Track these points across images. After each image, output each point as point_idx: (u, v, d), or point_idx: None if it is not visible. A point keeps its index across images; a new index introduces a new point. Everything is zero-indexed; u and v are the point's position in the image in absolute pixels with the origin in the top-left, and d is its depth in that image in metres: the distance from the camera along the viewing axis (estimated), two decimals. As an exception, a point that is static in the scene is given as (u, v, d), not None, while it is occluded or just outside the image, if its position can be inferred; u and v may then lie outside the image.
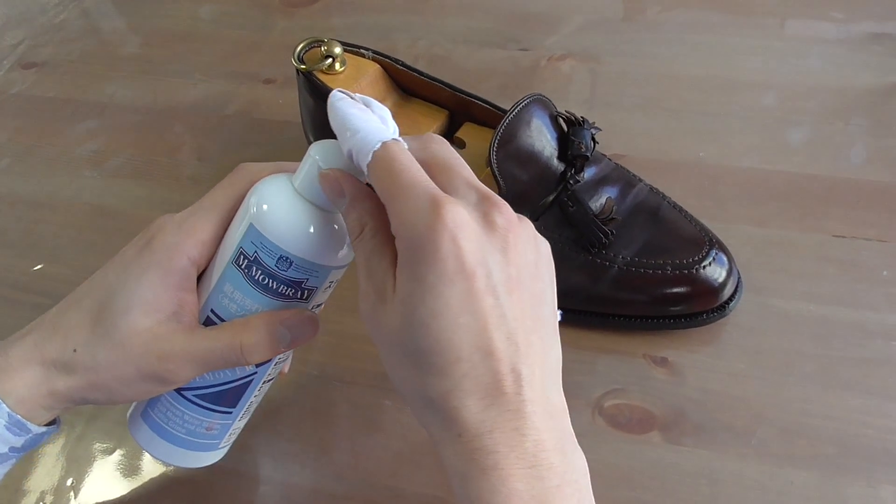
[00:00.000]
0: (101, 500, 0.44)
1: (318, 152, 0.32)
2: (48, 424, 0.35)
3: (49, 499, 0.44)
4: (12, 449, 0.34)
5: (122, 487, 0.44)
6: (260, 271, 0.33)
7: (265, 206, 0.32)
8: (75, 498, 0.44)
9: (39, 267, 0.57)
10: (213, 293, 0.34)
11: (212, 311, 0.34)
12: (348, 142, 0.30)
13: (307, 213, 0.32)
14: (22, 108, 0.72)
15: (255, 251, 0.32)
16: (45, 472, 0.45)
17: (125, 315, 0.32)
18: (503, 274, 0.27)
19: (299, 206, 0.32)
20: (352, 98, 0.32)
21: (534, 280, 0.29)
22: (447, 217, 0.26)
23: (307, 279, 0.33)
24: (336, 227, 0.33)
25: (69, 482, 0.45)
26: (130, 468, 0.45)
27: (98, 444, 0.46)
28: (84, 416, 0.47)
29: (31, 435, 0.34)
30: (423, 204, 0.27)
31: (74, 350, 0.33)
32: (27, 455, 0.45)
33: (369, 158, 0.29)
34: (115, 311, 0.33)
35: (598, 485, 0.41)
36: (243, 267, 0.33)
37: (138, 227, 0.58)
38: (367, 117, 0.30)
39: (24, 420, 0.33)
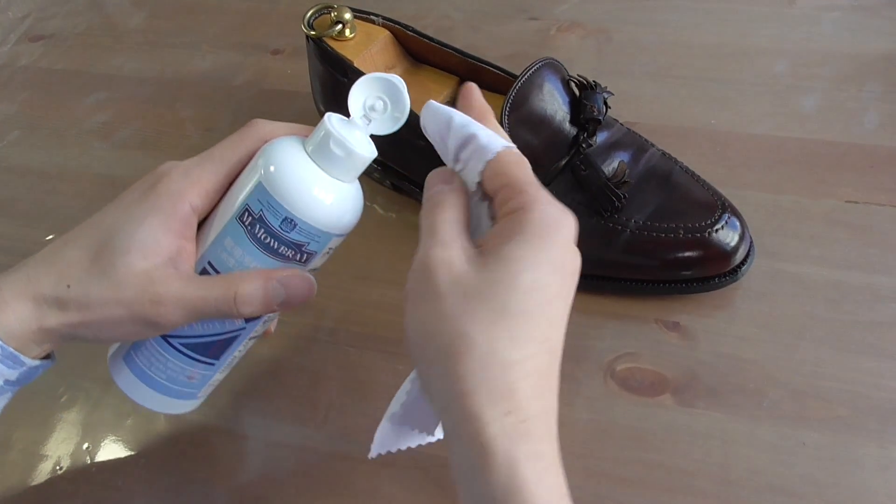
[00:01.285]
0: (115, 464, 0.44)
1: (334, 120, 0.33)
2: (44, 358, 0.35)
3: (66, 462, 0.44)
4: (7, 382, 0.33)
5: (136, 452, 0.44)
6: (263, 230, 0.33)
7: (274, 168, 0.33)
8: (91, 462, 0.44)
9: (50, 237, 0.57)
10: (212, 245, 0.34)
11: (209, 262, 0.34)
12: (472, 130, 0.31)
13: (317, 179, 0.33)
14: (30, 81, 0.72)
15: (261, 210, 0.33)
16: (62, 437, 0.46)
17: (123, 255, 0.33)
18: (572, 291, 0.30)
19: (310, 171, 0.33)
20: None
21: None
22: (572, 222, 0.30)
23: (308, 243, 0.34)
24: (343, 195, 0.34)
25: (85, 447, 0.45)
26: (144, 433, 0.45)
27: (113, 410, 0.47)
28: (100, 382, 0.48)
29: (24, 368, 0.34)
30: (555, 201, 0.30)
31: (68, 286, 0.33)
32: (44, 421, 0.46)
33: (498, 149, 0.31)
34: (113, 251, 0.33)
35: (611, 447, 0.41)
36: (247, 224, 0.33)
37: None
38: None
39: (16, 353, 0.33)
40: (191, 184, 0.34)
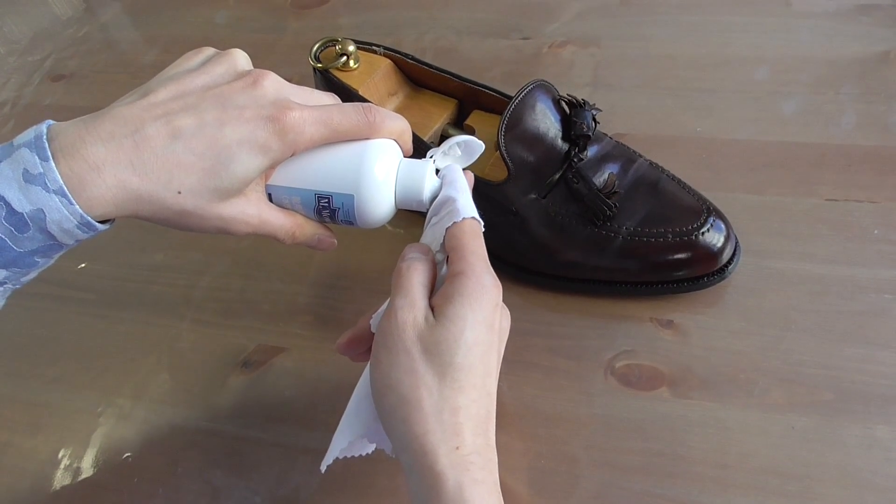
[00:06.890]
0: (153, 474, 0.47)
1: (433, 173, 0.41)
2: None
3: (108, 474, 0.48)
4: (78, 241, 0.35)
5: (172, 462, 0.48)
6: (328, 214, 0.40)
7: (367, 196, 0.38)
8: (131, 472, 0.48)
9: (83, 265, 0.61)
10: (281, 189, 0.39)
11: (270, 195, 0.40)
12: (460, 194, 0.38)
13: (389, 209, 0.40)
14: (56, 118, 0.75)
15: (339, 207, 0.39)
16: (103, 450, 0.49)
17: (237, 180, 0.36)
18: (502, 346, 0.38)
19: (388, 201, 0.39)
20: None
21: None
22: (499, 291, 0.36)
23: (347, 227, 0.41)
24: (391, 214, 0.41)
25: (125, 457, 0.48)
26: (179, 444, 0.48)
27: (150, 425, 0.50)
28: (131, 398, 0.51)
29: (95, 232, 0.35)
30: (489, 271, 0.35)
31: (179, 192, 0.35)
32: (86, 437, 0.50)
33: (465, 216, 0.37)
34: (230, 174, 0.35)
35: (613, 438, 0.44)
36: (321, 203, 0.39)
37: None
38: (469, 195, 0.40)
39: (93, 221, 0.34)
40: (304, 141, 0.36)
